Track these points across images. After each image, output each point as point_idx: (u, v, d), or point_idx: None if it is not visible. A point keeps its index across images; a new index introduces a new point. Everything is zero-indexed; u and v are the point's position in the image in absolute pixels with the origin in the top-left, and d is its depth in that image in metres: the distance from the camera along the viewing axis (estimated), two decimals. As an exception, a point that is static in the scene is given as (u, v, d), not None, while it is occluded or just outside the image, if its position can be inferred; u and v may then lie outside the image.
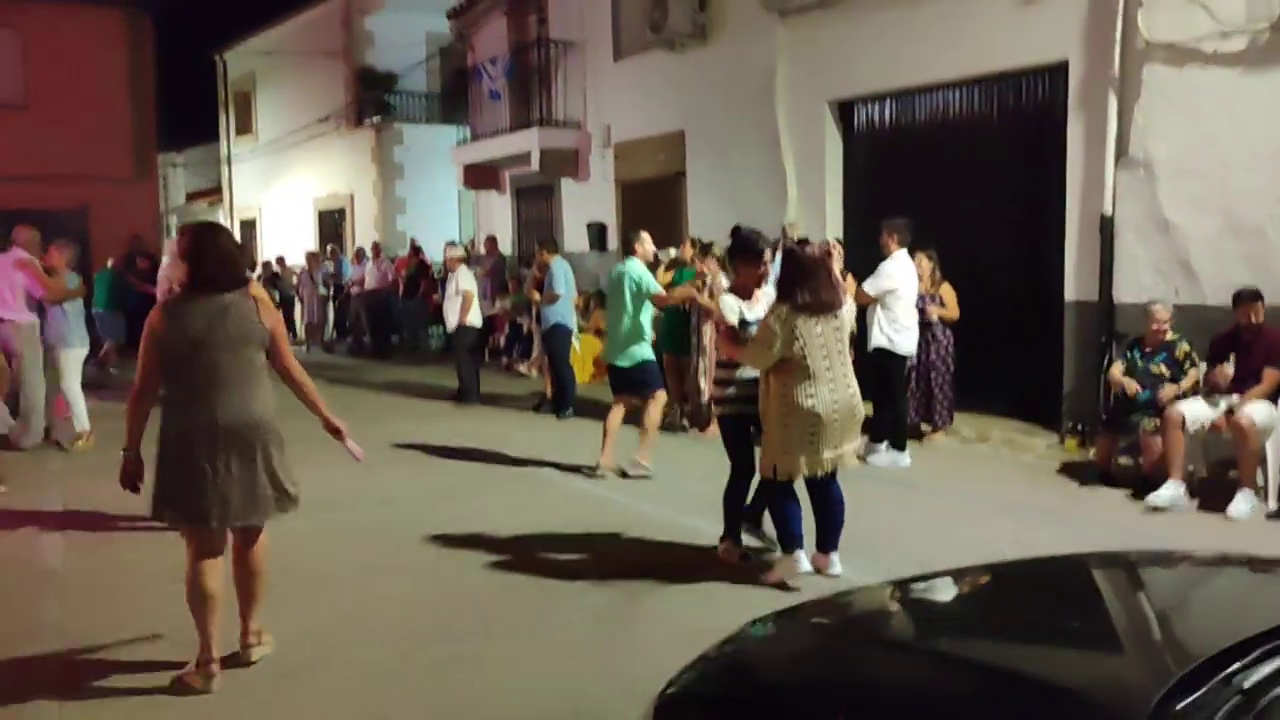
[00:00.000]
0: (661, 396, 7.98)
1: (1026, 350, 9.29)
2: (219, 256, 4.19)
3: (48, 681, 4.21)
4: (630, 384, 7.85)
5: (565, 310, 10.85)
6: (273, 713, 3.97)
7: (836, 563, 5.34)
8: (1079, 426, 8.43)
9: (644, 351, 7.81)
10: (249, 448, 4.12)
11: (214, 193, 29.37)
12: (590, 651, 4.51)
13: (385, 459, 8.38)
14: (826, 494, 5.36)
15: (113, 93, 18.48)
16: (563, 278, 10.76)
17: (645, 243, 8.02)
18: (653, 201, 13.80)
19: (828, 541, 5.38)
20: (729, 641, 2.34)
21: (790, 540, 5.33)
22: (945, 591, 2.76)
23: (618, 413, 7.90)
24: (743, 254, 5.80)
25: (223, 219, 27.62)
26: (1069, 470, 7.80)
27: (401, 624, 4.86)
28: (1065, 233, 8.73)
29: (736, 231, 5.69)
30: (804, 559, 5.29)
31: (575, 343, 11.59)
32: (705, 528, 6.22)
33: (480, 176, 17.62)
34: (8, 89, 17.45)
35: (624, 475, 7.71)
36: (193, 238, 4.25)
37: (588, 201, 15.21)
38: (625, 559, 5.84)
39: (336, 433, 4.45)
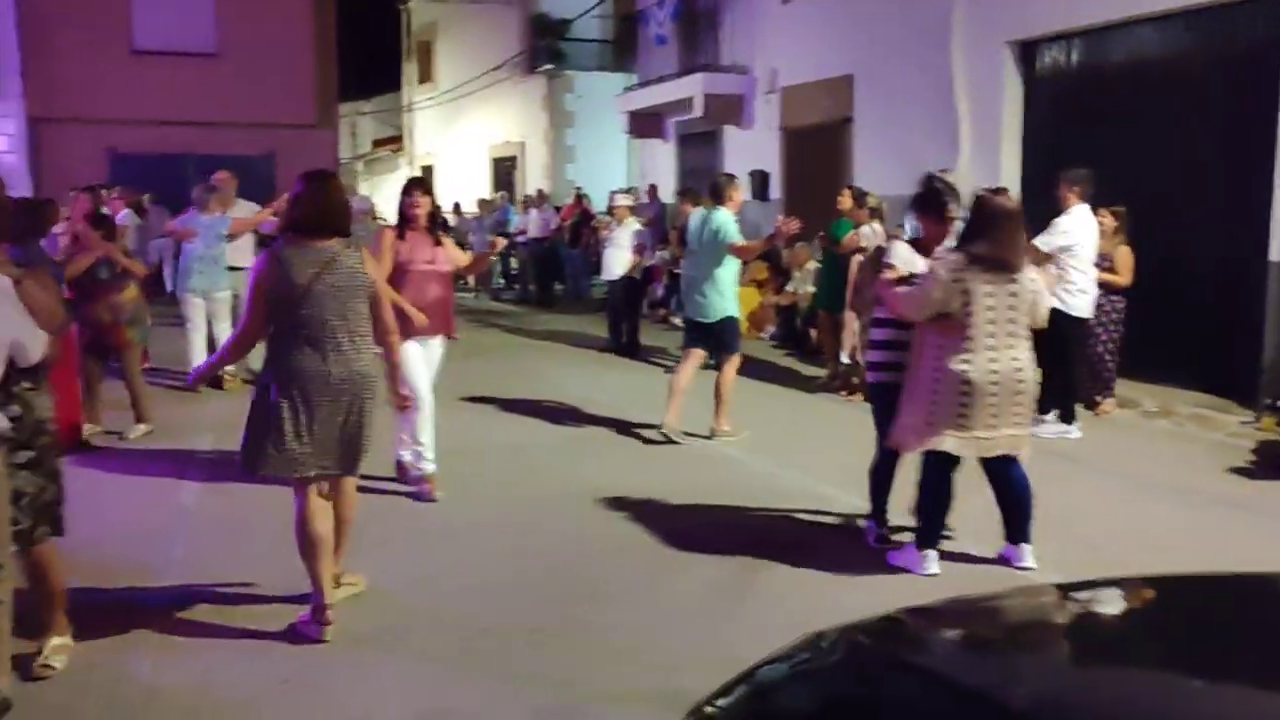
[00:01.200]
0: (737, 359, 7.47)
1: (1221, 316, 8.40)
2: (325, 205, 4.11)
3: (160, 618, 4.27)
4: (708, 340, 7.43)
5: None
6: (372, 666, 3.89)
7: (1027, 555, 4.83)
8: (1279, 403, 7.55)
9: (726, 306, 7.33)
10: (355, 400, 4.06)
11: (396, 140, 30.22)
12: (694, 627, 4.25)
13: (524, 408, 8.34)
14: (1004, 478, 4.83)
15: (299, 42, 19.07)
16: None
17: (737, 191, 7.53)
18: (817, 149, 13.25)
19: (1013, 531, 4.88)
20: (787, 657, 1.92)
21: (922, 532, 4.88)
22: (1108, 605, 2.20)
23: (689, 368, 7.41)
24: (929, 206, 5.12)
25: (403, 166, 28.43)
26: (1265, 453, 6.98)
27: (512, 581, 4.74)
28: (1274, 186, 7.78)
29: (928, 181, 5.14)
30: (931, 560, 4.82)
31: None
32: (841, 498, 5.86)
33: (644, 124, 17.38)
34: (201, 38, 18.24)
35: (709, 437, 7.37)
36: (302, 186, 4.17)
37: (751, 149, 14.75)
38: (748, 528, 5.56)
39: (403, 405, 4.76)
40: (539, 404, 8.63)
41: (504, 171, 24.28)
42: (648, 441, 7.34)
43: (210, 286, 9.04)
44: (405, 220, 5.82)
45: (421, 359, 5.83)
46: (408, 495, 5.94)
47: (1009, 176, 10.04)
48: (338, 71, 19.98)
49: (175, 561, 4.97)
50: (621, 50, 20.64)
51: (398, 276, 5.68)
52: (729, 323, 7.34)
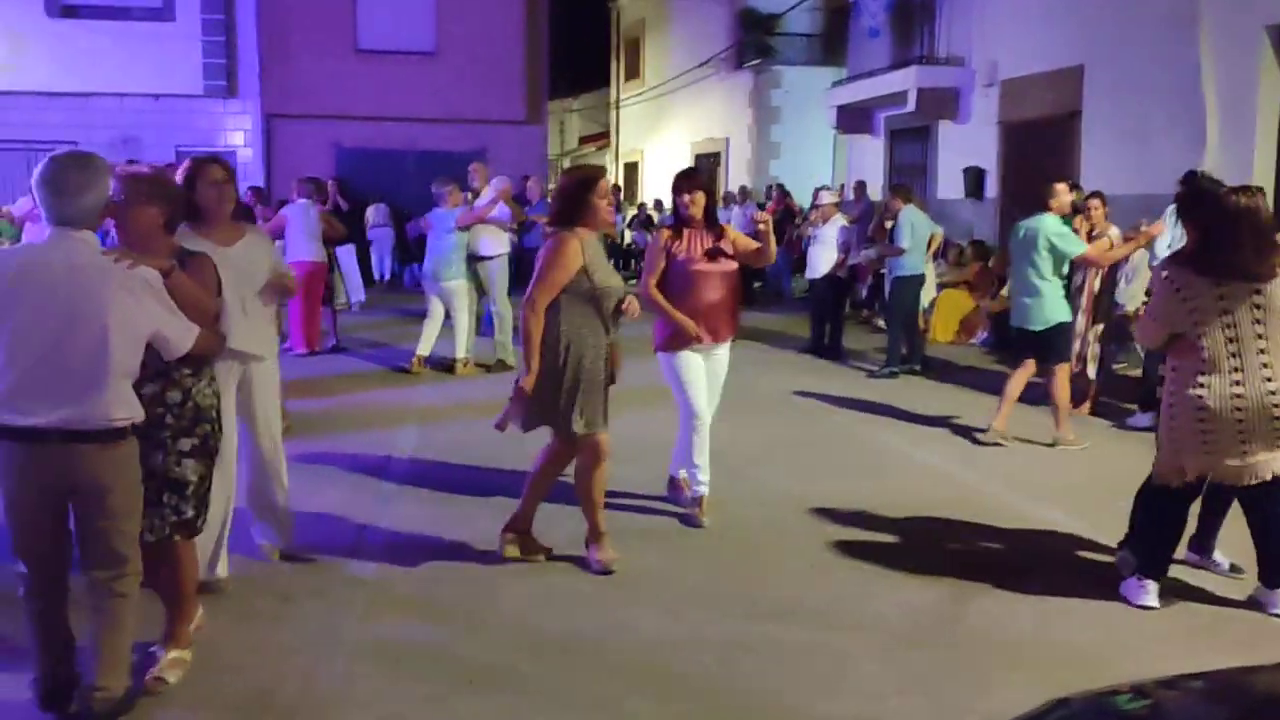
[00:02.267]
0: (1066, 367, 7.26)
1: None
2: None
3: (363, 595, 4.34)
4: (1037, 348, 7.13)
5: (913, 262, 10.03)
6: (554, 683, 3.80)
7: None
8: None
9: (1057, 313, 7.04)
10: (610, 366, 4.70)
11: (603, 137, 30.66)
12: (897, 655, 3.95)
13: (720, 409, 8.13)
14: (1261, 512, 4.28)
15: (512, 41, 19.55)
16: (908, 228, 9.93)
17: (1060, 195, 7.18)
18: (1040, 145, 12.47)
19: (1269, 573, 4.31)
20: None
21: (1143, 560, 4.40)
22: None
23: (1021, 377, 7.19)
24: (1195, 208, 4.50)
25: (608, 162, 28.79)
26: None
27: (702, 591, 4.56)
28: None
29: (1190, 179, 4.59)
30: (1150, 593, 4.32)
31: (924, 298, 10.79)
32: (1065, 522, 5.41)
33: (853, 119, 16.89)
34: (421, 38, 18.95)
35: (1051, 445, 7.11)
36: (569, 181, 4.82)
37: (966, 144, 14.07)
38: (960, 549, 5.18)
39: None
40: (736, 406, 8.42)
41: (707, 168, 24.18)
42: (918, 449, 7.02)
43: (442, 275, 9.47)
44: (680, 218, 5.39)
45: (702, 370, 5.39)
46: (676, 515, 5.60)
47: (1263, 175, 9.11)
48: (548, 69, 20.36)
49: (374, 545, 5.06)
50: (831, 44, 20.18)
51: (676, 279, 5.26)
52: (1060, 328, 7.11)
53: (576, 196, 4.63)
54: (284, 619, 4.22)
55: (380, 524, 5.39)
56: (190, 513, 3.57)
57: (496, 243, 9.97)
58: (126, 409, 3.19)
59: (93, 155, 3.23)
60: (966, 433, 7.49)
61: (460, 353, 9.73)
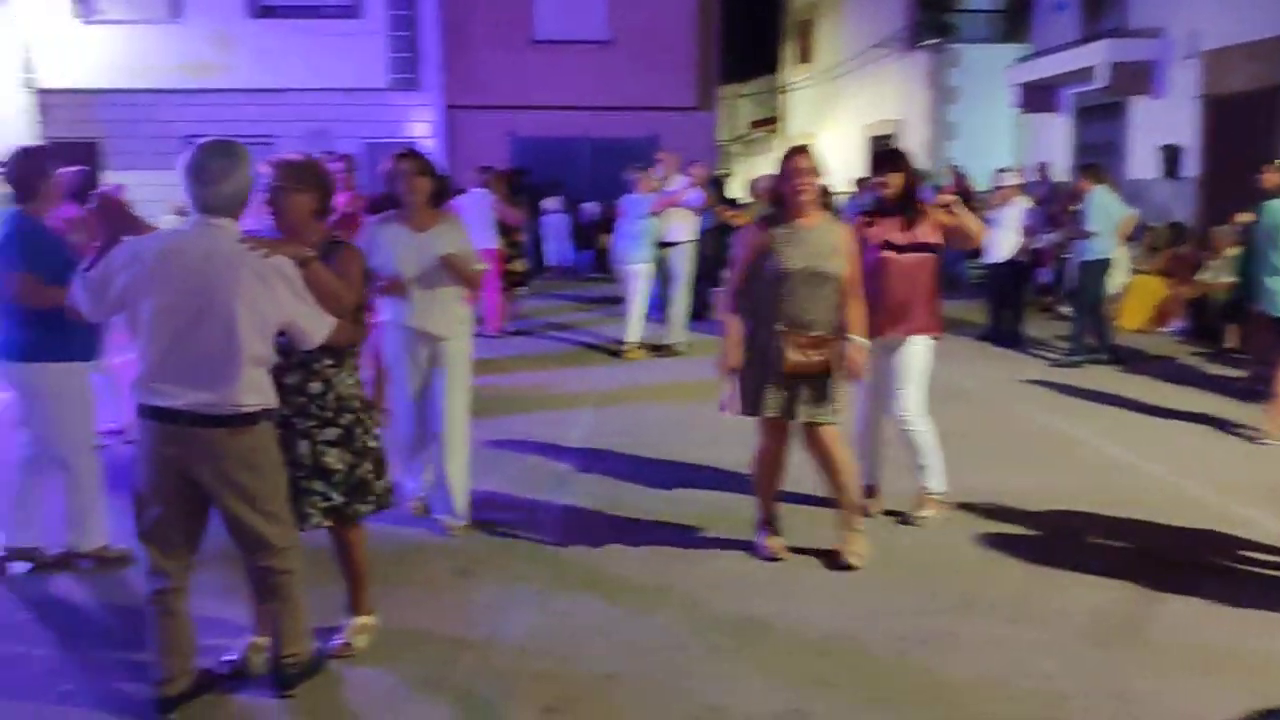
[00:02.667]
0: None
1: None
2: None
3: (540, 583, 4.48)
4: None
5: (1101, 245, 9.52)
6: (729, 657, 3.82)
7: None
8: None
9: None
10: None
11: (772, 122, 30.38)
12: (1079, 655, 3.80)
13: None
14: None
15: (684, 28, 19.58)
16: (1097, 211, 9.43)
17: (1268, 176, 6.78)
18: (1245, 121, 11.64)
19: None
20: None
21: None
22: None
23: None
24: None
25: (777, 147, 28.51)
26: None
27: (874, 581, 4.49)
28: None
29: None
30: None
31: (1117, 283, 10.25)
32: (1267, 524, 5.08)
33: (1036, 97, 16.18)
34: (595, 27, 19.23)
35: None
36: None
37: (1161, 121, 13.27)
38: (1149, 547, 4.92)
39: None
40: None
41: (880, 151, 23.64)
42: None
43: (622, 260, 9.74)
44: (877, 202, 5.17)
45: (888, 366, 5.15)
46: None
47: None
48: (719, 55, 20.31)
49: (550, 523, 5.20)
50: (1014, 19, 19.37)
51: (866, 266, 4.93)
52: None
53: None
54: (462, 592, 4.39)
55: (556, 503, 5.54)
56: (338, 500, 3.60)
57: (686, 228, 10.19)
58: (257, 395, 3.19)
59: (234, 144, 3.22)
60: (1157, 425, 7.11)
61: (630, 337, 9.89)
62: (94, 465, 4.53)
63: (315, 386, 3.55)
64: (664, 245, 10.03)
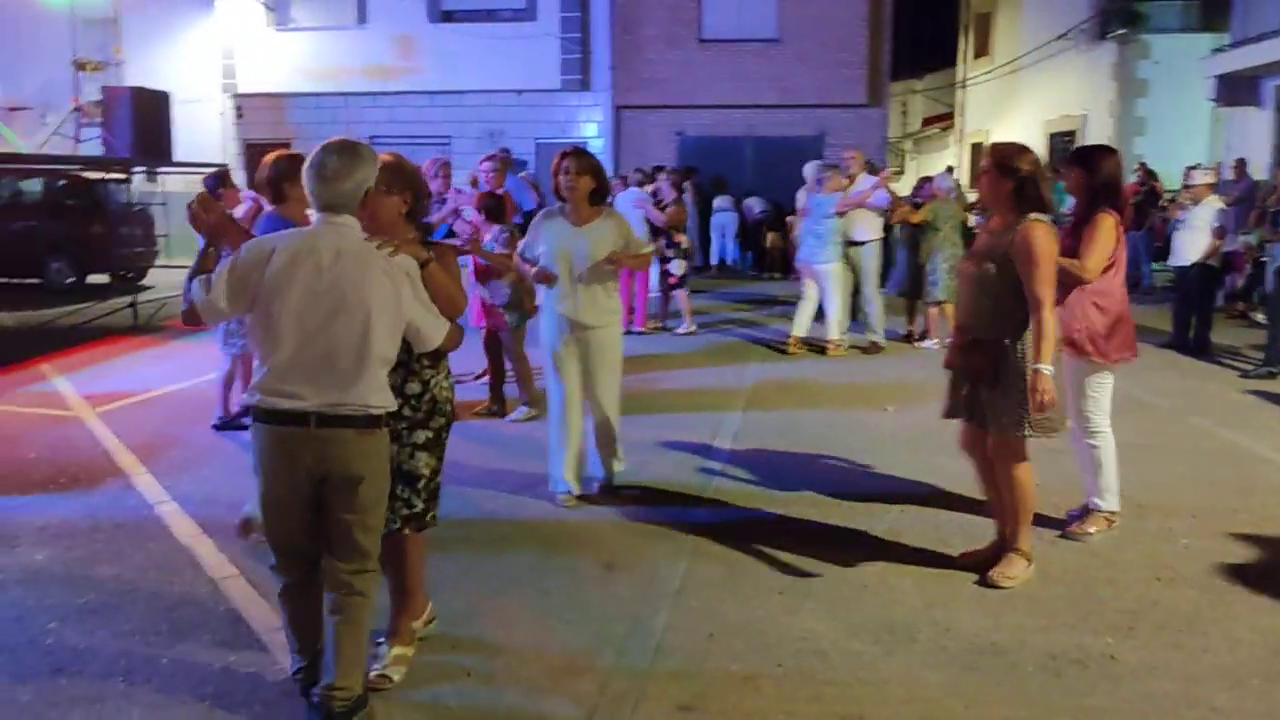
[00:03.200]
0: None
1: None
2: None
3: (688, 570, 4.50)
4: None
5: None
6: (866, 660, 3.75)
7: None
8: None
9: None
10: None
11: (946, 118, 29.51)
12: (1252, 689, 3.54)
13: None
14: None
15: (855, 23, 19.25)
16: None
17: None
18: None
19: None
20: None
21: None
22: None
23: None
24: None
25: (952, 144, 27.69)
26: None
27: (1030, 595, 4.31)
28: None
29: None
30: None
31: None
32: None
33: (1235, 90, 15.20)
34: (763, 25, 19.12)
35: None
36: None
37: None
38: (1338, 574, 4.55)
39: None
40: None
41: (1060, 147, 22.62)
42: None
43: (813, 259, 9.69)
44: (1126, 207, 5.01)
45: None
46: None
47: None
48: (892, 50, 19.88)
49: (696, 521, 5.21)
50: (1211, 7, 18.21)
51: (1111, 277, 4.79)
52: None
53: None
54: (606, 586, 4.44)
55: (704, 502, 5.55)
56: (420, 506, 3.56)
57: (871, 228, 10.15)
58: (382, 397, 3.17)
59: (357, 143, 3.21)
60: (1359, 445, 6.58)
61: (834, 334, 9.91)
62: None
63: (413, 388, 3.50)
64: (851, 244, 10.02)
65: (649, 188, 11.82)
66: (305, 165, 3.17)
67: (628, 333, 10.42)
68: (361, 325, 3.08)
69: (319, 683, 3.22)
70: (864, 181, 10.16)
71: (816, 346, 9.97)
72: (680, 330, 11.21)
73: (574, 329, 5.27)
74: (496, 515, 5.32)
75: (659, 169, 11.83)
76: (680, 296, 11.34)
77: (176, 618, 4.06)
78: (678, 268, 11.23)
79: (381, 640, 3.66)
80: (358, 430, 3.11)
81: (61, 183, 15.50)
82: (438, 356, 3.56)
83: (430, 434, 3.55)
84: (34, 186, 15.64)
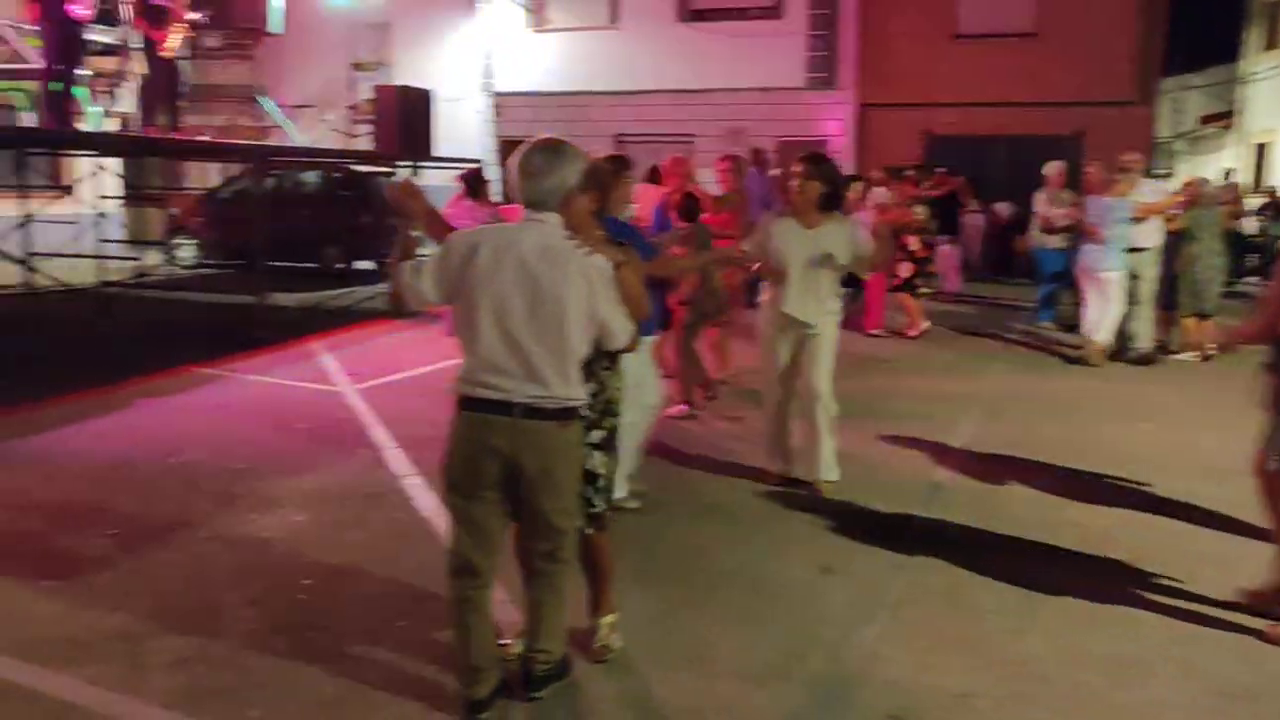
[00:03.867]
0: None
1: None
2: None
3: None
4: None
5: None
6: (1092, 704, 3.55)
7: None
8: None
9: None
10: None
11: (1225, 116, 27.20)
12: None
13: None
14: None
15: (1122, 14, 18.08)
16: None
17: None
18: None
19: None
20: None
21: None
22: None
23: None
24: None
25: (1230, 145, 25.54)
26: None
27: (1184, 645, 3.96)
28: None
29: None
30: None
31: None
32: None
33: None
34: (1021, 18, 18.26)
35: None
36: None
37: None
38: None
39: None
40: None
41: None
42: None
43: (1098, 265, 9.31)
44: None
45: None
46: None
47: None
48: (1164, 43, 18.54)
49: (918, 531, 5.08)
50: None
51: None
52: None
53: None
54: (821, 589, 4.41)
55: (930, 511, 5.40)
56: (600, 506, 3.63)
57: (1152, 235, 9.65)
58: (578, 391, 3.22)
59: (561, 142, 3.23)
60: None
61: (1099, 337, 9.48)
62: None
63: (591, 386, 3.48)
64: (1132, 251, 9.47)
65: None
66: (512, 162, 3.23)
67: (859, 333, 10.40)
68: (558, 321, 3.12)
69: (485, 698, 3.28)
70: (1143, 186, 9.63)
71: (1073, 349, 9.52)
72: (911, 333, 10.96)
73: (793, 327, 5.46)
74: (716, 509, 5.38)
75: (907, 169, 11.58)
76: (906, 299, 11.06)
77: (413, 585, 4.35)
78: (905, 270, 10.95)
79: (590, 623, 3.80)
80: (559, 423, 3.18)
81: (336, 175, 16.83)
82: (614, 358, 3.60)
83: (604, 433, 3.61)
84: (312, 179, 17.07)
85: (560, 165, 3.19)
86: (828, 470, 5.62)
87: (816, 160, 5.44)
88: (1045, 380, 8.89)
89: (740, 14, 19.30)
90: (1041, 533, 5.06)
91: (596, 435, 3.57)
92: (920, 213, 11.14)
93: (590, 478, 3.55)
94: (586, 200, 3.44)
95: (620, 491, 4.64)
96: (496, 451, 3.16)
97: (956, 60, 18.37)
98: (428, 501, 5.40)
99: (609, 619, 3.80)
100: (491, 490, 3.21)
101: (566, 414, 3.20)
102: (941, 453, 6.51)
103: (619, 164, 4.44)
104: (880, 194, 11.12)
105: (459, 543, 3.30)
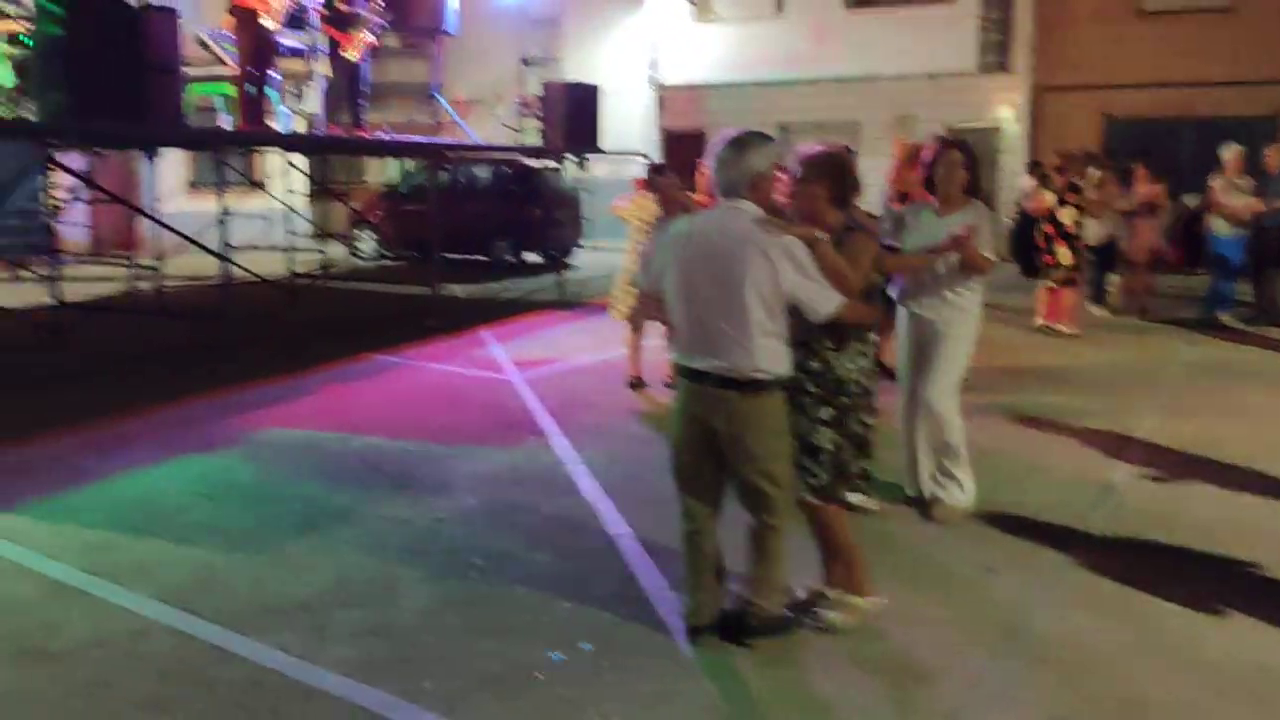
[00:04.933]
0: None
1: None
2: None
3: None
4: None
5: None
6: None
7: None
8: None
9: None
10: None
11: None
12: None
13: None
14: None
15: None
16: None
17: None
18: None
19: None
20: None
21: None
22: None
23: None
24: None
25: None
26: None
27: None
28: None
29: None
30: None
31: None
32: None
33: None
34: (1218, -6, 17.23)
35: None
36: None
37: None
38: None
39: None
40: None
41: None
42: None
43: None
44: None
45: None
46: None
47: None
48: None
49: (1091, 533, 4.93)
50: None
51: None
52: None
53: None
54: (983, 588, 4.32)
55: (1099, 514, 5.21)
56: (823, 478, 3.75)
57: None
58: (768, 364, 3.46)
59: (745, 134, 3.53)
60: None
61: None
62: None
63: (814, 365, 3.72)
64: None
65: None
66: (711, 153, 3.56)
67: (1053, 333, 10.11)
68: (739, 298, 3.42)
69: (702, 625, 3.72)
70: None
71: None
72: (1066, 331, 10.30)
73: (920, 324, 5.07)
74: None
75: (1067, 154, 11.09)
76: (1062, 294, 10.38)
77: (576, 568, 4.50)
78: (1065, 259, 10.23)
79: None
80: (741, 392, 3.49)
81: (506, 170, 17.34)
82: (840, 337, 3.71)
83: (833, 411, 3.74)
84: (483, 173, 17.65)
85: (743, 156, 3.49)
86: (946, 491, 5.11)
87: (965, 147, 5.06)
88: (1236, 378, 8.41)
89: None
90: (1227, 539, 4.82)
91: (824, 412, 3.73)
92: (1068, 216, 10.19)
93: (813, 451, 3.73)
94: (821, 190, 3.70)
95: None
96: (697, 415, 3.58)
97: (1141, 38, 17.46)
98: (592, 487, 5.56)
99: (850, 599, 3.88)
100: (699, 444, 3.61)
101: (753, 385, 3.48)
102: (1120, 451, 6.26)
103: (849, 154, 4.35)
104: (1026, 183, 10.67)
105: (679, 488, 3.73)
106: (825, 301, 3.48)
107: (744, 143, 3.51)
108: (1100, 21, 17.70)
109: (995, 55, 18.42)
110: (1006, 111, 18.60)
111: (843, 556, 3.92)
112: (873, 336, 3.87)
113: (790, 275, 3.42)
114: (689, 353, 3.57)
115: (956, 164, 4.98)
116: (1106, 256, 11.77)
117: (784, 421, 3.61)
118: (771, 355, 3.48)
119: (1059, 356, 9.26)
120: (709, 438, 3.58)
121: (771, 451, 3.57)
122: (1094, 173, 11.06)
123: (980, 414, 6.46)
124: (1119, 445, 6.37)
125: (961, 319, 5.02)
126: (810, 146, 3.81)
